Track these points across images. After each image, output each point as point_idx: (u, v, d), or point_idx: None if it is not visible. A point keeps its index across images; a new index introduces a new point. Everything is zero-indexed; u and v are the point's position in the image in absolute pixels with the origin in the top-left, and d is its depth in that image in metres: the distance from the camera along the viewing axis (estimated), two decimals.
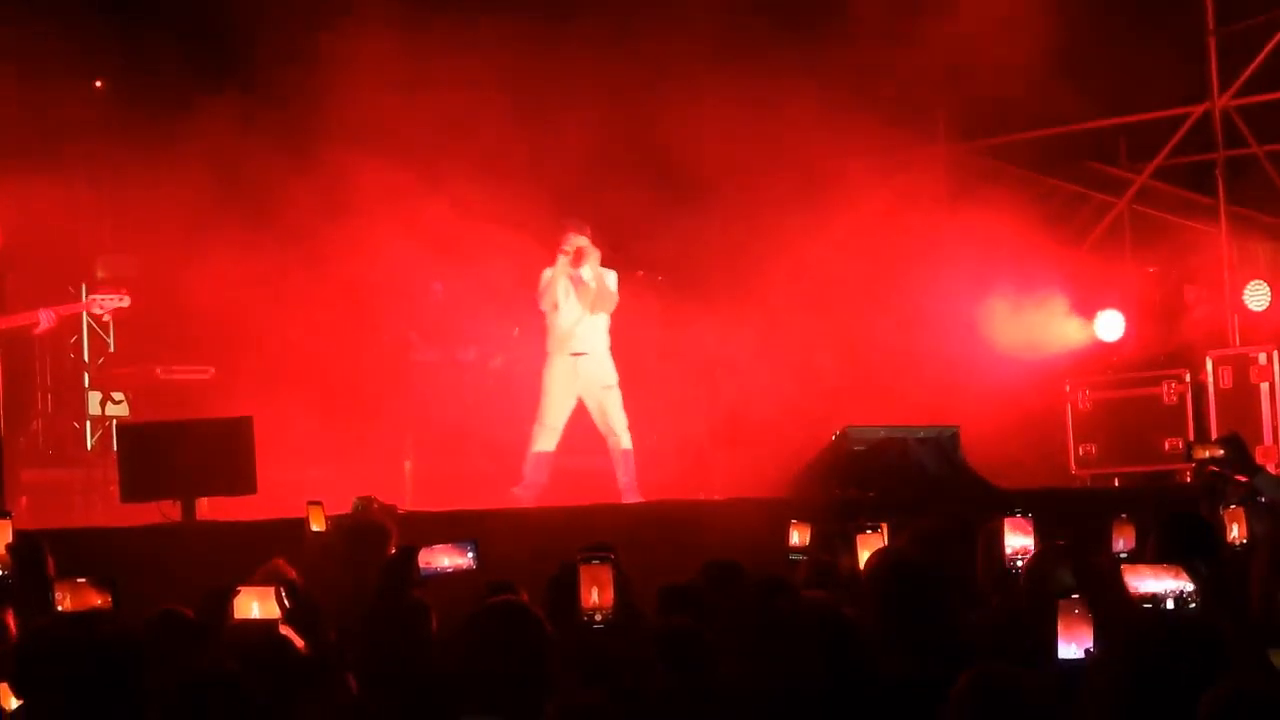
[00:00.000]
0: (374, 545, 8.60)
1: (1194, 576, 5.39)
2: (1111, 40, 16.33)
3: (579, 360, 13.95)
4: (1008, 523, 7.39)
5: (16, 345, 13.63)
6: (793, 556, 8.52)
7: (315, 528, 9.97)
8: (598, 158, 15.12)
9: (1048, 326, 16.62)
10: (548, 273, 13.95)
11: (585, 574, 6.50)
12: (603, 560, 6.51)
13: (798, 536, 8.62)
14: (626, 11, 15.42)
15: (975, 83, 16.04)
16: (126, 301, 13.67)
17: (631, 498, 13.71)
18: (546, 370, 14.03)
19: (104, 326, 14.69)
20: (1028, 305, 16.54)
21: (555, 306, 13.88)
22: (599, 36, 15.01)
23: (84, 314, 14.55)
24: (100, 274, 14.49)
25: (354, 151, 15.59)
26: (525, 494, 13.78)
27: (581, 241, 13.84)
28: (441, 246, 15.76)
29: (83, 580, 6.66)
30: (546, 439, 13.94)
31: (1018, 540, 7.35)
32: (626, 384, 14.18)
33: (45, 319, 13.71)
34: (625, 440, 13.94)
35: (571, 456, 15.77)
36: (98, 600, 6.61)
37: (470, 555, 7.64)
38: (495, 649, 5.43)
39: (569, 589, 6.65)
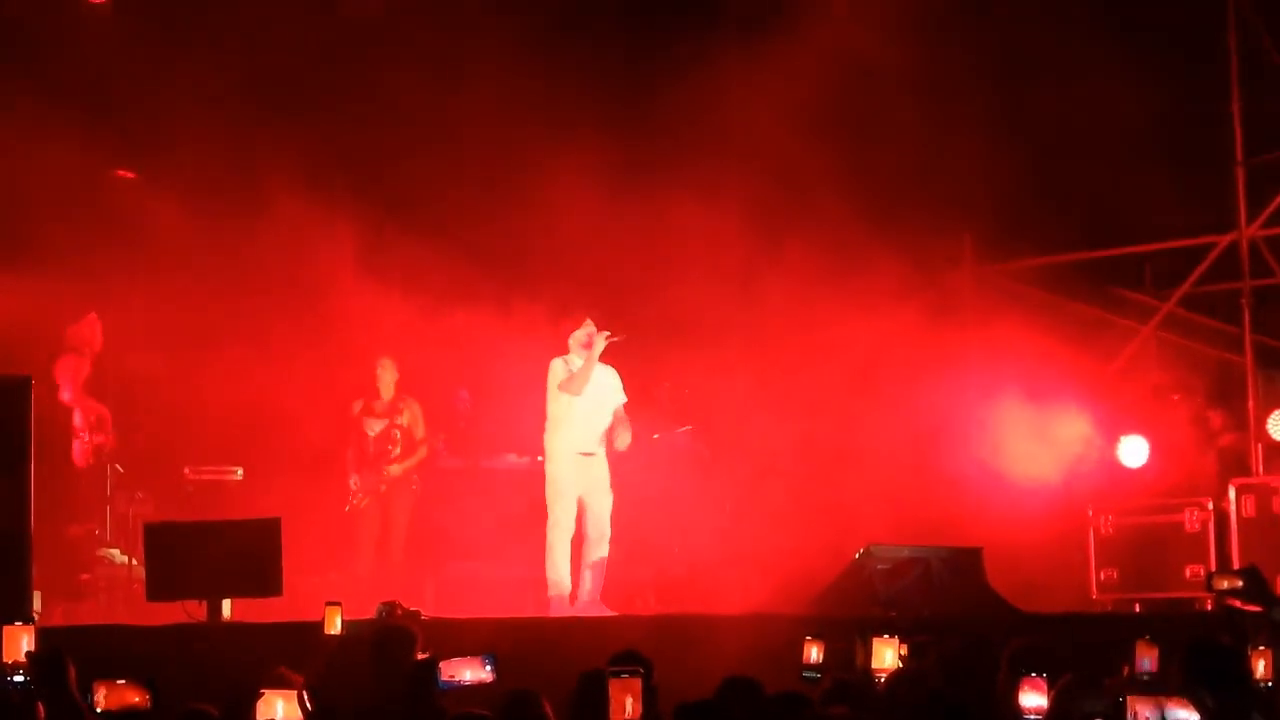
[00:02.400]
0: (401, 649, 8.66)
1: (1200, 708, 5.41)
2: (1140, 168, 16.45)
3: (588, 461, 13.68)
4: (1025, 682, 7.36)
5: (51, 444, 13.78)
6: (806, 674, 8.51)
7: (330, 630, 10.04)
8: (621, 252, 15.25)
9: (1070, 450, 16.64)
10: (567, 362, 13.60)
11: (615, 687, 6.51)
12: (633, 674, 6.53)
13: (815, 653, 8.60)
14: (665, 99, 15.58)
15: (1002, 205, 16.16)
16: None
17: (594, 611, 13.37)
18: (558, 470, 13.60)
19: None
20: (1050, 429, 16.57)
21: (571, 399, 13.48)
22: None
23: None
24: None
25: (380, 254, 15.77)
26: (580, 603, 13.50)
27: (590, 329, 13.58)
28: (469, 354, 15.91)
29: (122, 681, 6.73)
30: (568, 540, 13.58)
31: (1032, 700, 7.29)
32: (647, 491, 14.15)
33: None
34: (606, 548, 13.62)
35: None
36: (135, 699, 6.68)
37: (489, 669, 7.69)
38: None
39: (592, 702, 6.69)
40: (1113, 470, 16.82)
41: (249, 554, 11.81)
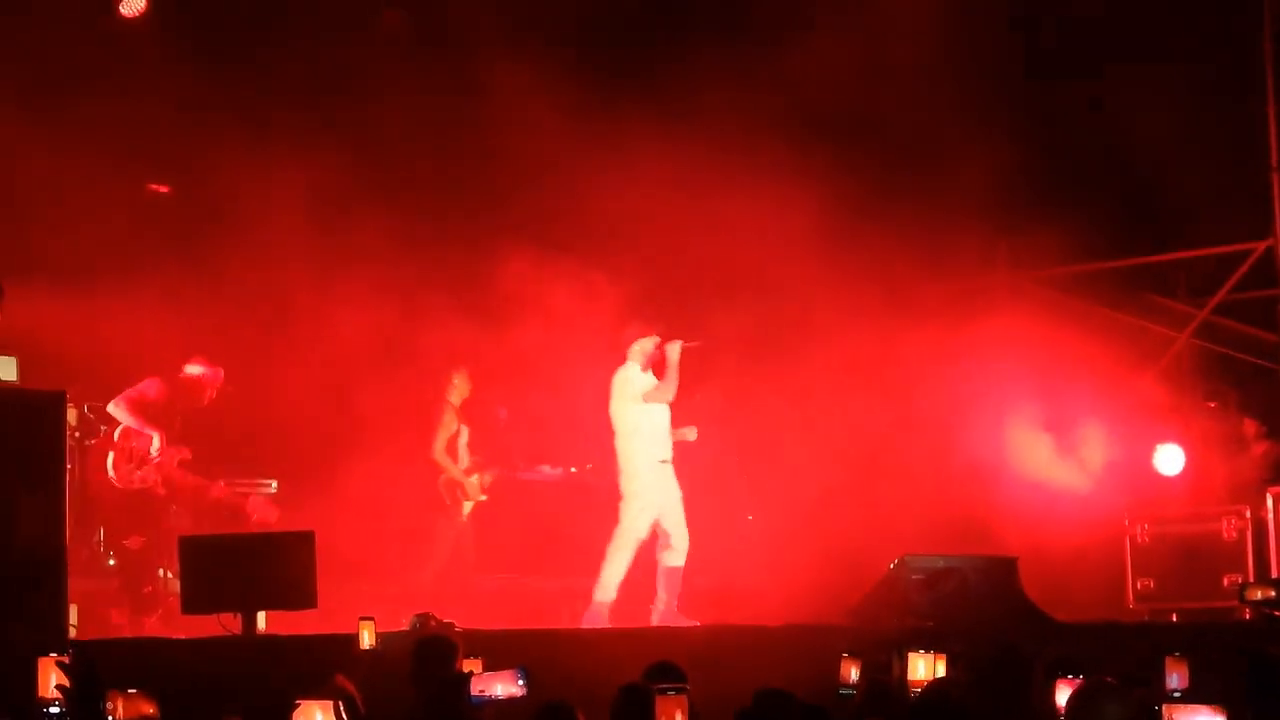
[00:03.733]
0: (441, 659, 8.66)
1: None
2: (1176, 176, 16.40)
3: (666, 468, 13.72)
4: (1060, 683, 7.35)
5: (87, 458, 13.83)
6: (843, 692, 8.48)
7: (366, 644, 10.03)
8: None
9: (1105, 459, 16.59)
10: (635, 372, 13.63)
11: (663, 704, 6.48)
12: (679, 690, 6.50)
13: (852, 672, 8.56)
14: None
15: (1038, 213, 16.12)
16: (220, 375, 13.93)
17: (670, 620, 13.38)
18: (642, 480, 13.62)
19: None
20: (1085, 437, 16.52)
21: (647, 408, 13.54)
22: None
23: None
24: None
25: (418, 267, 15.80)
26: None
27: (657, 338, 13.67)
28: (507, 372, 15.96)
29: (134, 691, 6.72)
30: (635, 550, 13.61)
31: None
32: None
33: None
34: (683, 557, 13.69)
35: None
36: (149, 710, 6.68)
37: (521, 683, 7.64)
38: None
39: (632, 715, 6.67)
40: (1149, 479, 16.75)
41: (283, 567, 11.83)
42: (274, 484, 15.50)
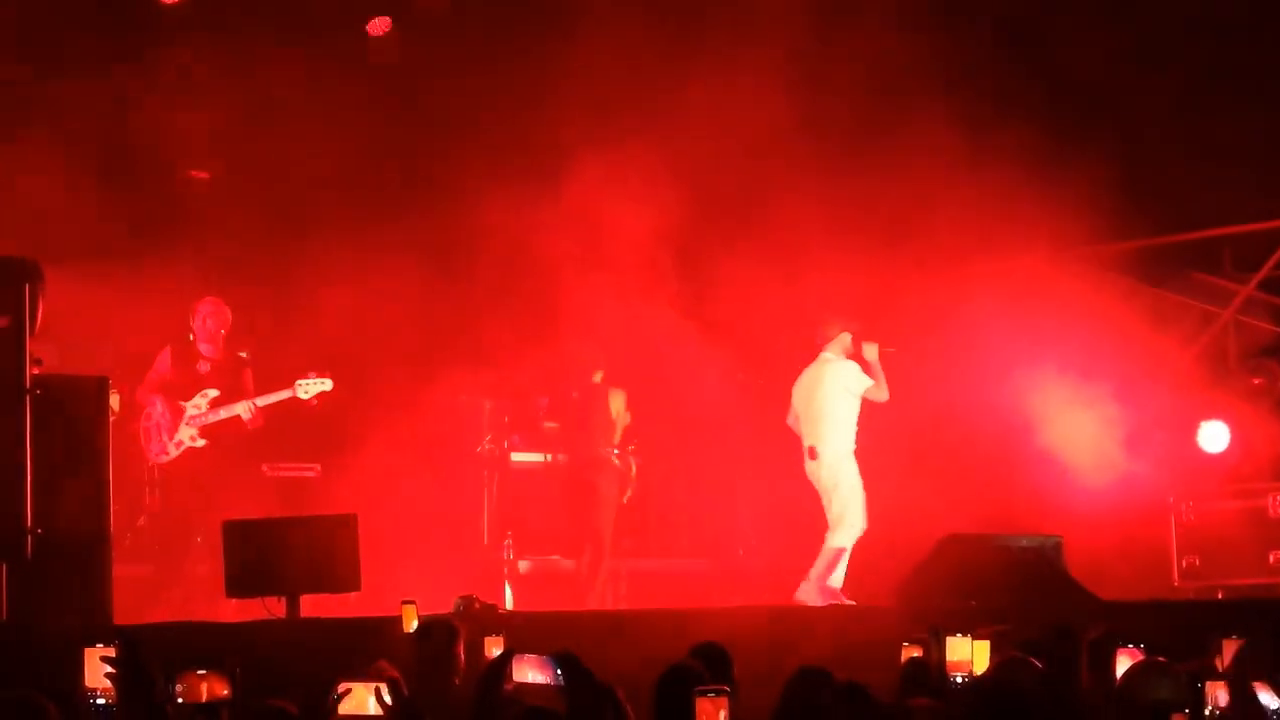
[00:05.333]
0: (440, 643, 8.68)
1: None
2: (1219, 151, 16.30)
3: (853, 458, 14.55)
4: (1120, 652, 7.32)
5: (127, 444, 13.85)
6: None
7: (408, 629, 10.05)
8: None
9: (1149, 436, 16.51)
10: (853, 368, 14.39)
11: (703, 705, 6.45)
12: (719, 693, 6.47)
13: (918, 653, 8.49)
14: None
15: (1080, 190, 16.04)
16: (329, 384, 13.92)
17: (813, 598, 14.11)
18: (851, 469, 14.44)
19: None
20: (1129, 414, 16.44)
21: (854, 403, 14.41)
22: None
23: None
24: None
25: (462, 261, 15.83)
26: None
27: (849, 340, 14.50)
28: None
29: (202, 672, 6.72)
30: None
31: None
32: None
33: (247, 412, 13.99)
34: (851, 541, 14.43)
35: (667, 560, 15.94)
36: (221, 690, 6.69)
37: (560, 674, 7.53)
38: None
39: (673, 696, 6.66)
40: (1193, 456, 16.67)
41: (326, 550, 11.86)
42: (317, 467, 15.55)
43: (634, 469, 16.12)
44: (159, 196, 15.69)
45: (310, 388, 14.05)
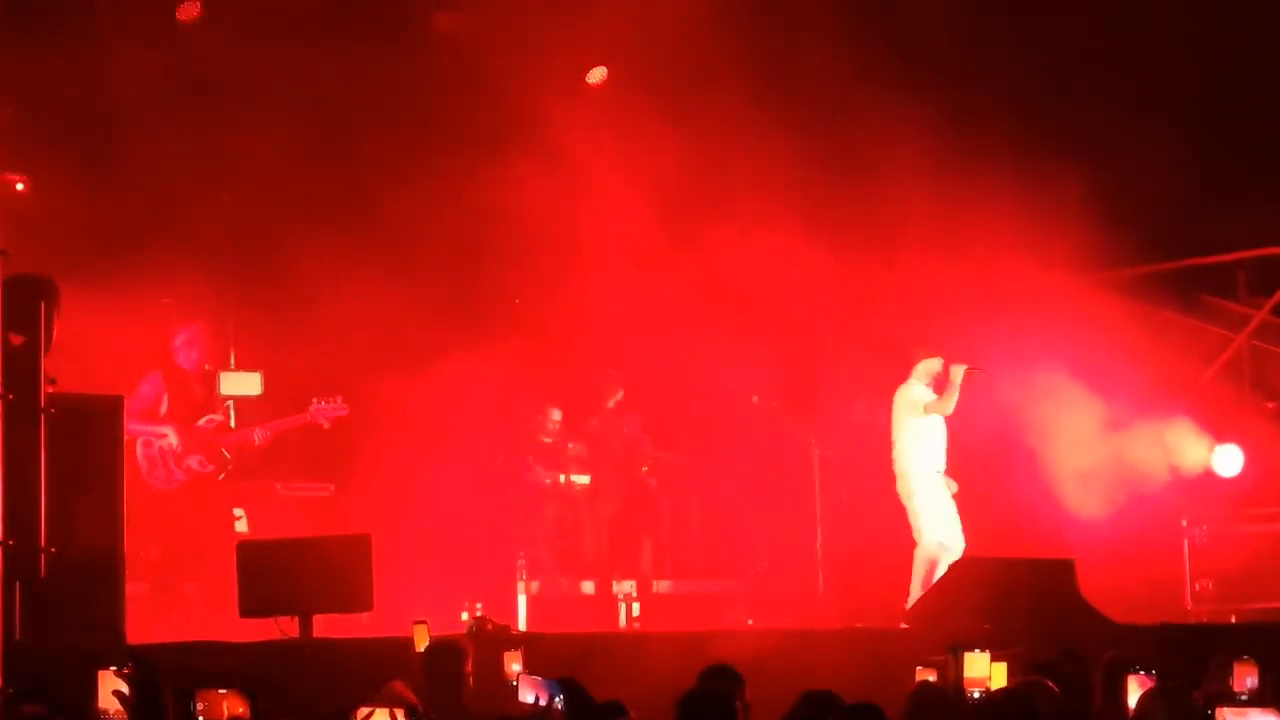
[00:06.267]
0: (451, 663, 8.70)
1: None
2: (1233, 175, 16.31)
3: (940, 477, 14.66)
4: (1130, 678, 7.33)
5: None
6: None
7: (420, 649, 10.07)
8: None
9: (1165, 459, 16.49)
10: (918, 389, 14.58)
11: None
12: None
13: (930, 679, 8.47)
14: None
15: (1095, 215, 16.06)
16: (345, 410, 13.90)
17: None
18: (925, 491, 14.53)
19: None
20: (1146, 437, 16.43)
21: (931, 422, 14.55)
22: None
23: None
24: (220, 392, 14.62)
25: (473, 280, 15.84)
26: None
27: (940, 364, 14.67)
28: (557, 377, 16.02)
29: (223, 691, 6.72)
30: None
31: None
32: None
33: (259, 438, 13.99)
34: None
35: (688, 581, 15.96)
36: (239, 710, 6.68)
37: (559, 702, 7.49)
38: None
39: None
40: (1207, 480, 16.65)
41: (340, 570, 11.85)
42: (330, 487, 15.55)
43: (653, 491, 16.20)
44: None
45: (326, 413, 14.06)
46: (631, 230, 15.42)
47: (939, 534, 14.41)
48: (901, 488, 14.61)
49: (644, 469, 16.09)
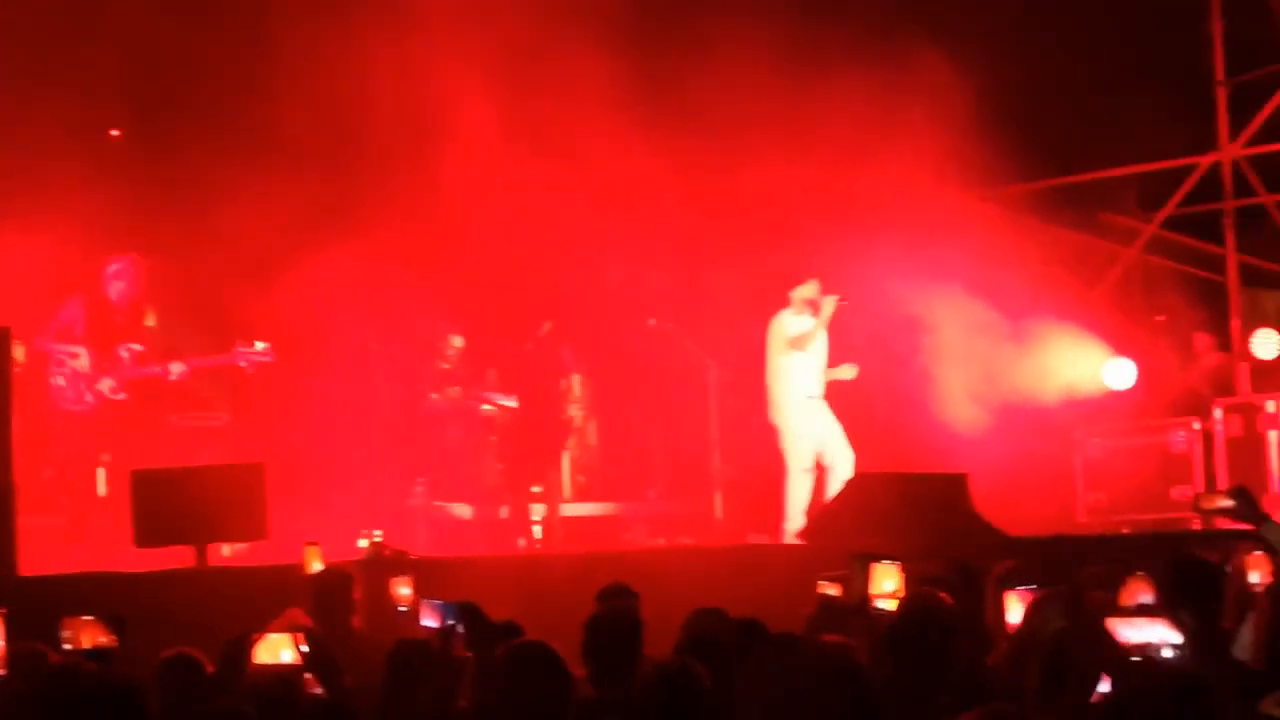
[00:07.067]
0: (334, 590, 8.70)
1: (1180, 628, 5.40)
2: (1122, 91, 16.41)
3: (814, 403, 14.59)
4: (1008, 593, 7.37)
5: (35, 392, 13.68)
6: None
7: (310, 570, 10.09)
8: None
9: (1058, 373, 16.64)
10: (797, 320, 14.57)
11: None
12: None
13: (833, 594, 8.49)
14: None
15: (986, 132, 16.12)
16: (270, 357, 13.76)
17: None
18: (794, 410, 14.55)
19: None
20: (1039, 351, 16.56)
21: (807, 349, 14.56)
22: None
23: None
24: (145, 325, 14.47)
25: (371, 203, 15.73)
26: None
27: (816, 288, 14.64)
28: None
29: (89, 618, 6.67)
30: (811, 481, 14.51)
31: (1019, 615, 7.28)
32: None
33: (176, 372, 13.85)
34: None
35: (589, 504, 16.00)
36: (104, 639, 6.64)
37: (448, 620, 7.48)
38: (523, 694, 5.52)
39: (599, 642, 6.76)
40: (1099, 393, 16.82)
41: (234, 499, 11.81)
42: (224, 416, 15.45)
43: (579, 419, 16.25)
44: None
45: (249, 357, 13.94)
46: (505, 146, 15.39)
47: (805, 460, 14.47)
48: (771, 414, 14.68)
49: (576, 397, 16.20)
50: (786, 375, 14.62)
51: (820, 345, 14.69)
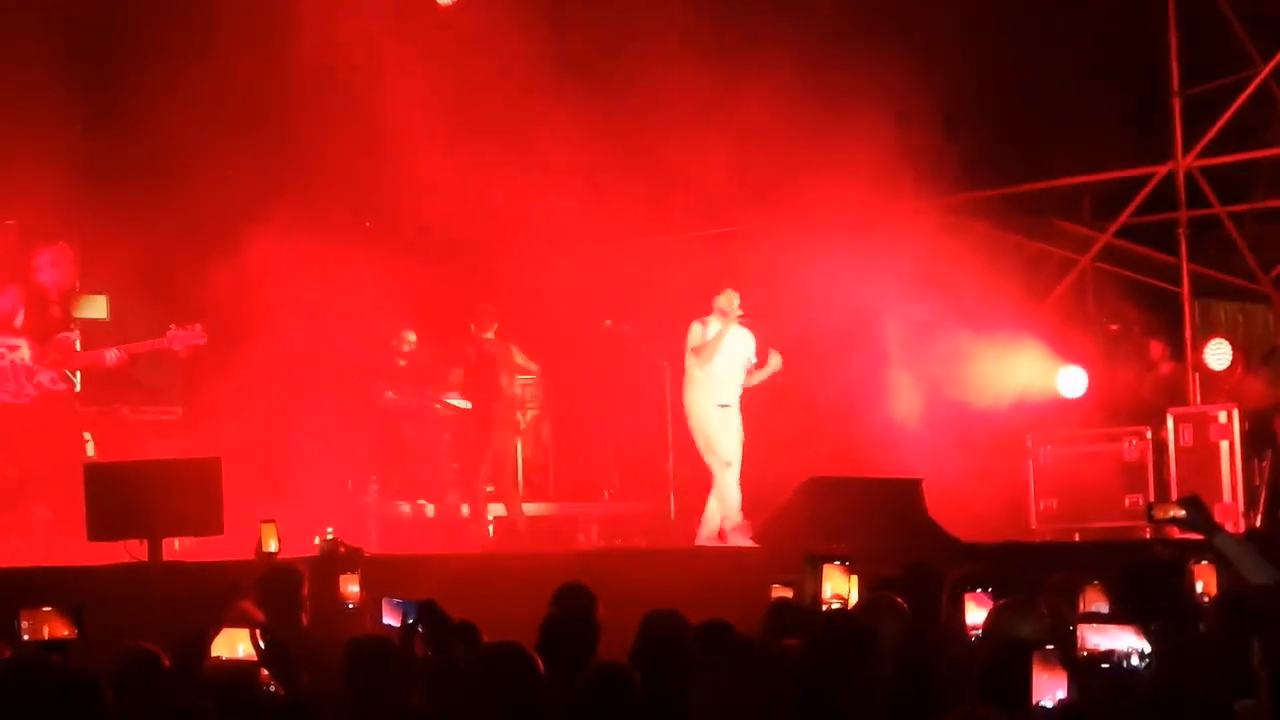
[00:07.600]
0: (285, 586, 8.69)
1: (1147, 635, 5.44)
2: (1077, 100, 16.48)
3: (726, 411, 14.59)
4: (968, 597, 7.42)
5: None
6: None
7: (267, 549, 10.08)
8: None
9: (1010, 380, 16.70)
10: (705, 326, 14.60)
11: None
12: None
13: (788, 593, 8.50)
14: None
15: (940, 139, 16.18)
16: (204, 339, 13.68)
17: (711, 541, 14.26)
18: (703, 417, 14.63)
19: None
20: (991, 358, 16.62)
21: (711, 360, 14.56)
22: None
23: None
24: (74, 314, 14.39)
25: (322, 197, 15.69)
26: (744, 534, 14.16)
27: (734, 301, 14.61)
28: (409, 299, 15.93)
29: (48, 609, 6.64)
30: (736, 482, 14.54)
31: (978, 617, 7.31)
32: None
33: (111, 358, 13.76)
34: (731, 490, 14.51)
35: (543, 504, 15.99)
36: (64, 630, 6.62)
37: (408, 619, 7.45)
38: (493, 693, 5.52)
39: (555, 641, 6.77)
40: (1051, 401, 16.89)
41: (189, 493, 11.76)
42: (178, 410, 15.41)
43: (526, 421, 16.26)
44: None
45: (182, 339, 13.85)
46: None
47: (726, 455, 14.54)
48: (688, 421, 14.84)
49: (525, 398, 16.21)
50: (693, 384, 14.71)
51: (732, 355, 14.65)
